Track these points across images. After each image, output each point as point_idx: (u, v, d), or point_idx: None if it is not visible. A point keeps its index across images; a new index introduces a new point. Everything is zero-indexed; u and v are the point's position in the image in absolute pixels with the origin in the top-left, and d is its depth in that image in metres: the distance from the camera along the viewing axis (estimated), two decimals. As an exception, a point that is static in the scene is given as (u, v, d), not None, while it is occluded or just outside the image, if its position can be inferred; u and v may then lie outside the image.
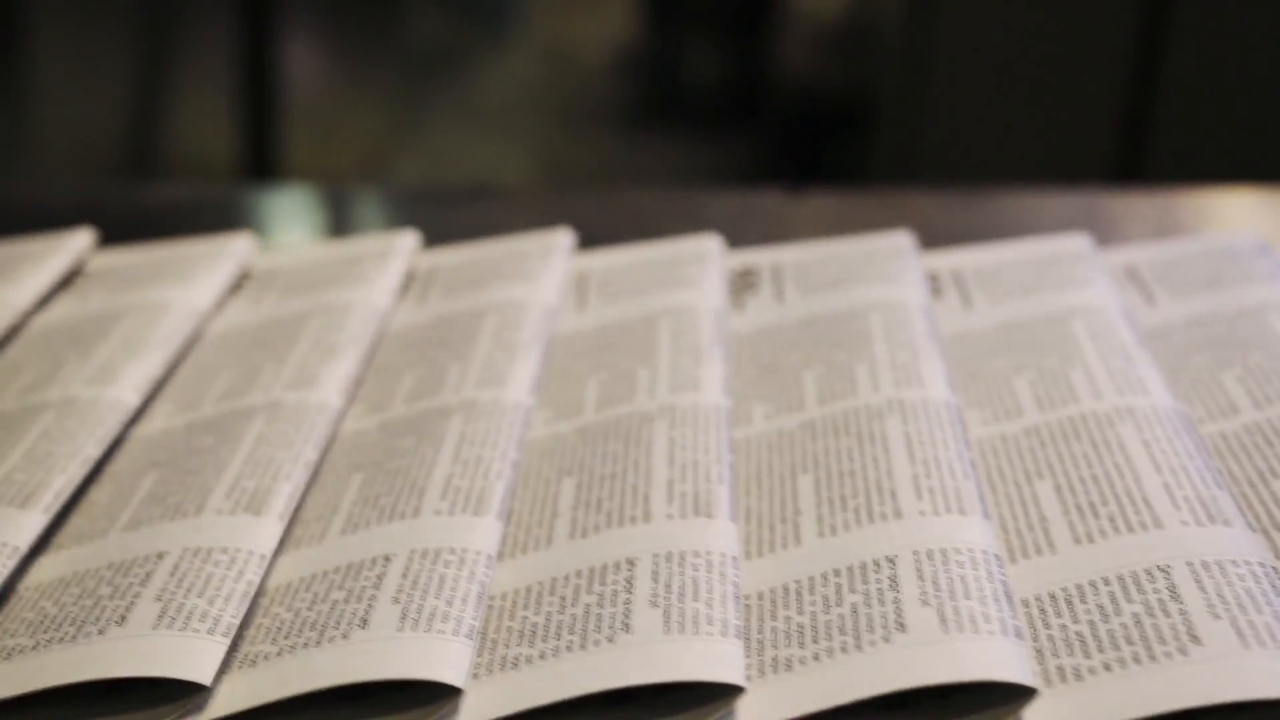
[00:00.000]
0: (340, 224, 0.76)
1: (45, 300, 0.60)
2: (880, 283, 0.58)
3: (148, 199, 0.75)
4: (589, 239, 0.65)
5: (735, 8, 2.61)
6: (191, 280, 0.60)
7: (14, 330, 0.58)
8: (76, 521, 0.47)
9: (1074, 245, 0.61)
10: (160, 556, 0.44)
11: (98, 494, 0.49)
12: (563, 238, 0.63)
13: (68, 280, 0.62)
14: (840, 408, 0.51)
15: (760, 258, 0.63)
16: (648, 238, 0.65)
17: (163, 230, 0.67)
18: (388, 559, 0.44)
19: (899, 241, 0.62)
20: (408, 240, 0.64)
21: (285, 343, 0.56)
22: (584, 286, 0.61)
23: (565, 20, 2.75)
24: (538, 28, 2.70)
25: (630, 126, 2.57)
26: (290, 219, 0.75)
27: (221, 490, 0.47)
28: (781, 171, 2.46)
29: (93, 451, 0.49)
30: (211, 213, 0.72)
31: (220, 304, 0.60)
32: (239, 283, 0.62)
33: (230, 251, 0.63)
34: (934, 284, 0.60)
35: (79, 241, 0.63)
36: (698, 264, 0.61)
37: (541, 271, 0.60)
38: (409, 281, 0.62)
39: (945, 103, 1.90)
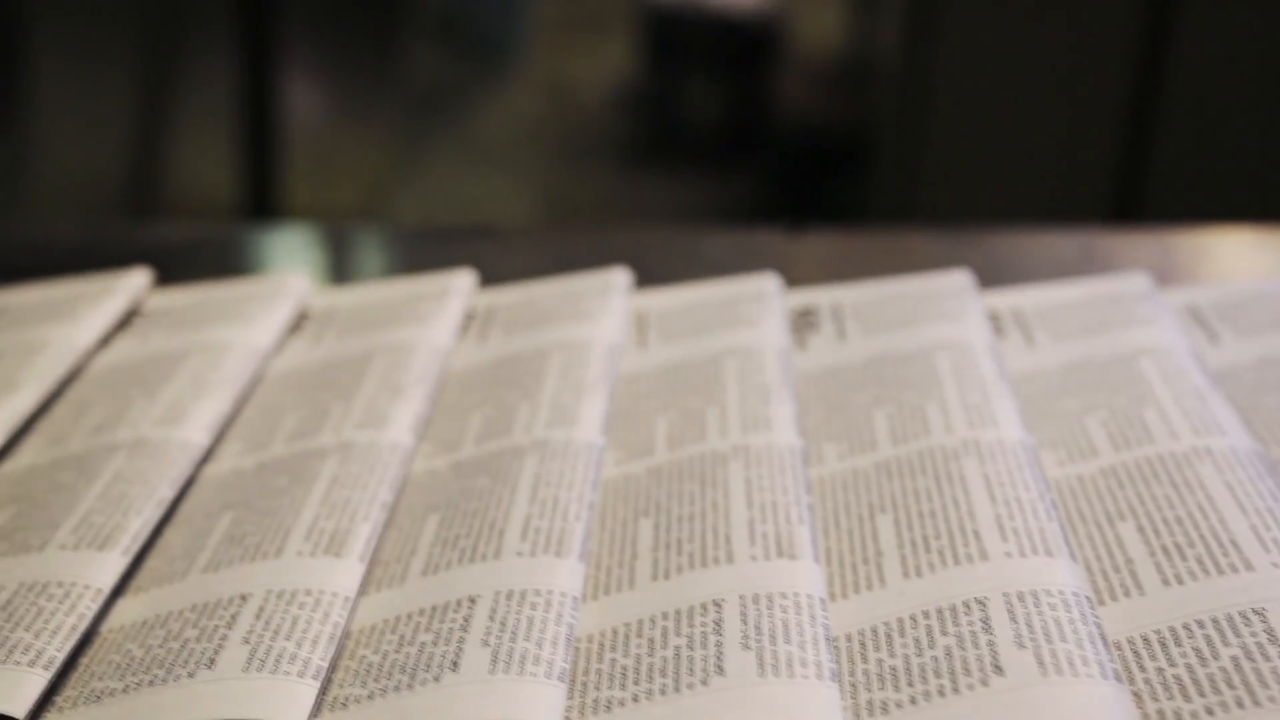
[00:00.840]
0: (341, 263, 0.76)
1: (105, 340, 0.60)
2: (944, 322, 0.58)
3: (148, 238, 0.75)
4: None
5: (734, 45, 2.62)
6: (251, 320, 0.60)
7: (76, 370, 0.57)
8: (153, 563, 0.47)
9: (1135, 285, 0.61)
10: (244, 599, 0.44)
11: (172, 535, 0.48)
12: (620, 277, 0.63)
13: (126, 320, 0.62)
14: (914, 448, 0.51)
15: (819, 296, 0.63)
16: (647, 277, 0.65)
17: (165, 270, 0.67)
18: (473, 601, 0.44)
19: (958, 280, 0.62)
20: (464, 279, 0.64)
21: (351, 382, 0.56)
22: (644, 326, 0.61)
23: (565, 57, 2.76)
24: (538, 65, 2.71)
25: (630, 163, 2.57)
26: (292, 258, 0.75)
27: (300, 532, 0.47)
28: (781, 208, 2.47)
29: (167, 492, 0.49)
30: (213, 252, 0.72)
31: (280, 343, 0.60)
32: (297, 322, 0.62)
33: (287, 291, 0.63)
34: (995, 323, 0.60)
35: (136, 280, 0.63)
36: (758, 303, 0.61)
37: (602, 310, 0.60)
38: (468, 320, 0.62)
39: (944, 140, 1.91)
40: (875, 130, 2.13)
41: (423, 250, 0.75)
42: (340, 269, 0.74)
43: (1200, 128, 1.82)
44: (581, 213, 2.42)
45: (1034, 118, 1.87)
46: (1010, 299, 0.62)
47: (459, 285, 0.63)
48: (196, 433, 0.52)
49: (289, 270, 0.67)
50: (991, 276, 0.66)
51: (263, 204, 1.93)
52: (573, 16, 2.85)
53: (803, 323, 0.61)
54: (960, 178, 1.93)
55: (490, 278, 0.66)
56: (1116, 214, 1.90)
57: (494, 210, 2.38)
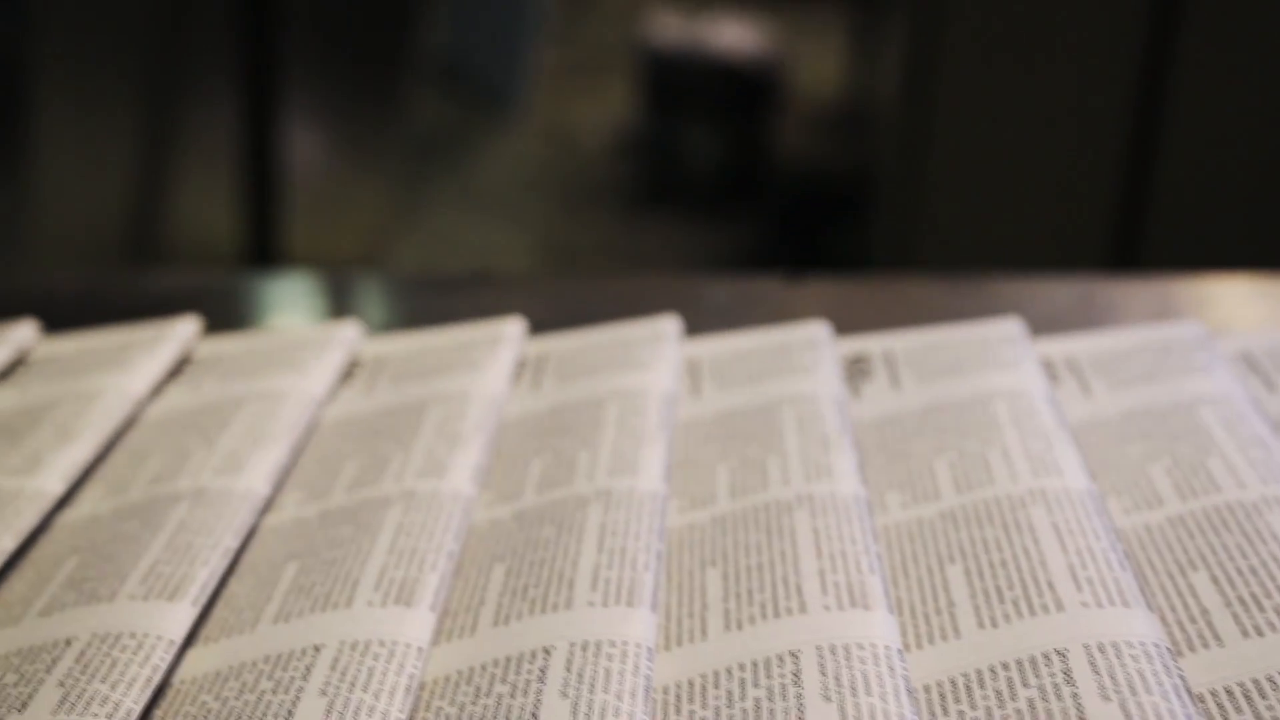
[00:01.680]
0: (343, 311, 0.76)
1: (158, 388, 0.60)
2: (999, 370, 0.58)
3: (150, 286, 0.75)
4: (586, 326, 0.65)
5: (734, 91, 2.63)
6: (305, 368, 0.60)
7: (131, 418, 0.57)
8: (221, 614, 0.47)
9: (1189, 332, 0.61)
10: (317, 650, 0.44)
11: (237, 586, 0.48)
12: (670, 324, 0.63)
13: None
14: (979, 497, 0.51)
15: (870, 344, 0.63)
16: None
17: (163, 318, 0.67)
18: (548, 652, 0.44)
19: (1010, 328, 0.62)
20: (515, 327, 0.63)
21: (408, 430, 0.56)
22: (697, 374, 0.61)
23: (565, 103, 2.76)
24: (538, 111, 2.72)
25: (630, 208, 2.58)
26: (289, 306, 0.75)
27: (369, 581, 0.47)
28: (781, 254, 2.47)
29: (231, 542, 0.49)
30: (215, 300, 0.72)
31: (333, 392, 0.60)
32: (348, 370, 0.62)
33: (338, 339, 0.62)
34: (1049, 370, 0.60)
35: (186, 329, 0.63)
36: (811, 350, 0.61)
37: (655, 358, 0.60)
38: (519, 368, 0.62)
39: (943, 185, 1.91)
40: (875, 176, 2.14)
41: (424, 298, 0.75)
42: (342, 317, 0.74)
43: (1199, 175, 1.83)
44: (582, 258, 2.42)
45: (1033, 164, 1.88)
46: (1063, 346, 0.62)
47: (510, 332, 0.63)
48: (257, 482, 0.52)
49: (334, 319, 0.66)
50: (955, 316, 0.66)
51: (264, 250, 1.92)
52: (573, 62, 2.86)
53: (855, 370, 0.61)
54: (960, 223, 1.93)
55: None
56: (1115, 260, 1.91)
57: (494, 256, 2.39)
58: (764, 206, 2.60)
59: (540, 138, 2.70)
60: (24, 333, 0.63)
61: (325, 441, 0.56)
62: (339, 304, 0.76)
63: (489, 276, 0.77)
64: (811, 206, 2.59)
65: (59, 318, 0.66)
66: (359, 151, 2.24)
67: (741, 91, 2.64)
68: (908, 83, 1.90)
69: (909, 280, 0.77)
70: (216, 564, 0.47)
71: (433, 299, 0.74)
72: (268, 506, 0.52)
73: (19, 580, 0.48)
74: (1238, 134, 1.81)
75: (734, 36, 2.68)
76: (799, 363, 0.60)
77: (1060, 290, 0.74)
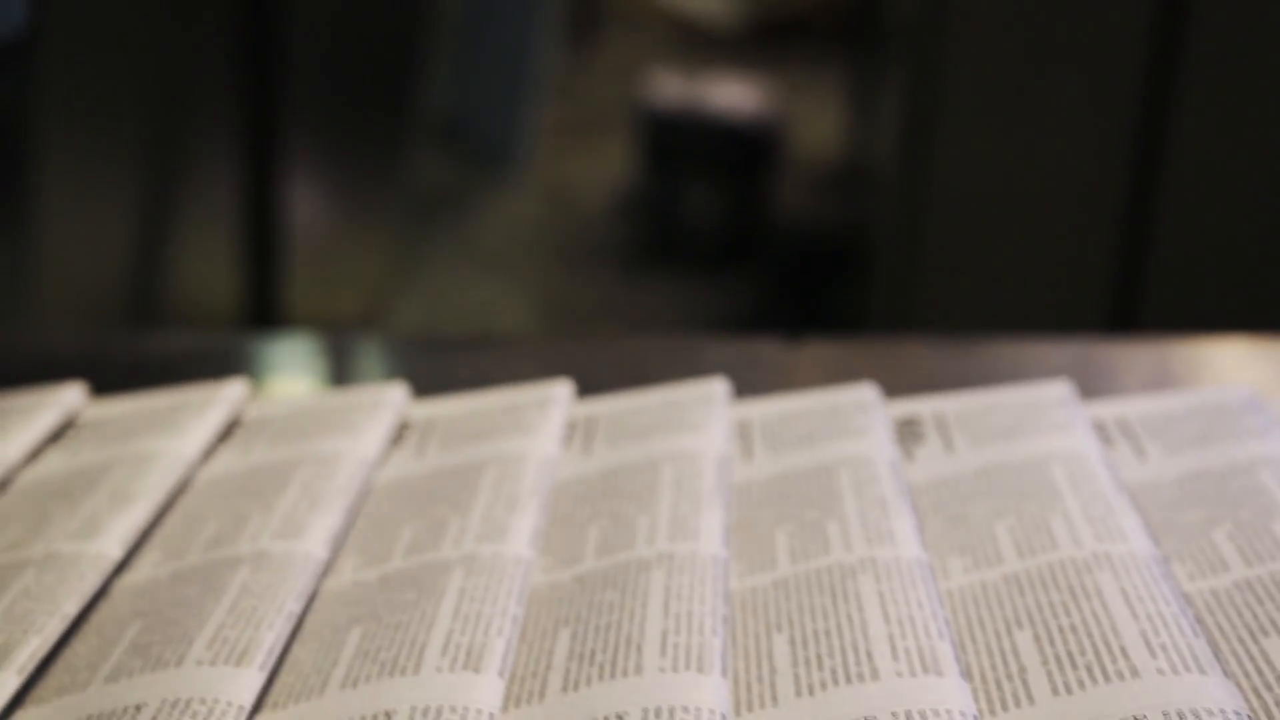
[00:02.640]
0: (340, 373, 0.76)
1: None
2: (1054, 433, 0.58)
3: (149, 347, 0.75)
4: (588, 387, 0.66)
5: (733, 151, 2.64)
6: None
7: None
8: (287, 679, 0.46)
9: (1239, 395, 0.61)
10: (389, 715, 0.43)
11: (301, 650, 0.48)
12: (720, 386, 0.63)
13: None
14: (1043, 561, 0.50)
15: (920, 407, 0.63)
16: (647, 385, 0.65)
17: (164, 380, 0.67)
18: (621, 718, 0.43)
19: (1059, 391, 0.62)
20: (564, 389, 0.63)
21: (464, 494, 0.55)
22: (748, 436, 0.61)
23: (565, 163, 2.77)
24: (538, 170, 2.72)
25: (630, 268, 2.58)
26: (291, 368, 0.75)
27: (436, 646, 0.46)
28: (780, 313, 2.47)
29: (295, 606, 0.48)
30: (212, 362, 0.73)
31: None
32: (399, 433, 0.62)
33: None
34: (1102, 433, 0.60)
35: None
36: (862, 413, 0.61)
37: (708, 421, 0.60)
38: (569, 430, 0.62)
39: (941, 246, 1.92)
40: (873, 236, 2.15)
41: (424, 360, 0.75)
42: (344, 379, 0.75)
43: (1195, 237, 1.84)
44: (581, 318, 2.43)
45: (1030, 224, 1.89)
46: (1114, 409, 0.62)
47: (559, 395, 0.63)
48: (316, 546, 0.52)
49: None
50: (989, 385, 0.66)
51: (264, 309, 1.92)
52: (573, 122, 2.87)
53: (907, 433, 0.61)
54: (957, 283, 1.94)
55: (490, 387, 0.66)
56: (1113, 321, 1.91)
57: (494, 314, 2.39)
58: (763, 265, 2.61)
59: (540, 197, 2.71)
60: (72, 395, 0.63)
61: (380, 505, 0.56)
62: (340, 366, 0.76)
63: (488, 338, 0.78)
64: (810, 266, 2.60)
65: (56, 380, 0.66)
66: (359, 210, 2.24)
67: (740, 151, 2.65)
68: (905, 143, 1.91)
69: (907, 342, 0.77)
70: (281, 628, 0.47)
71: (433, 361, 0.74)
72: (326, 570, 0.52)
73: (82, 644, 0.48)
74: (1235, 197, 1.81)
75: (733, 96, 2.69)
76: (851, 425, 0.60)
77: (1058, 353, 0.74)
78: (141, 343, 0.77)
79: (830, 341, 0.77)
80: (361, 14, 2.08)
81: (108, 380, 0.66)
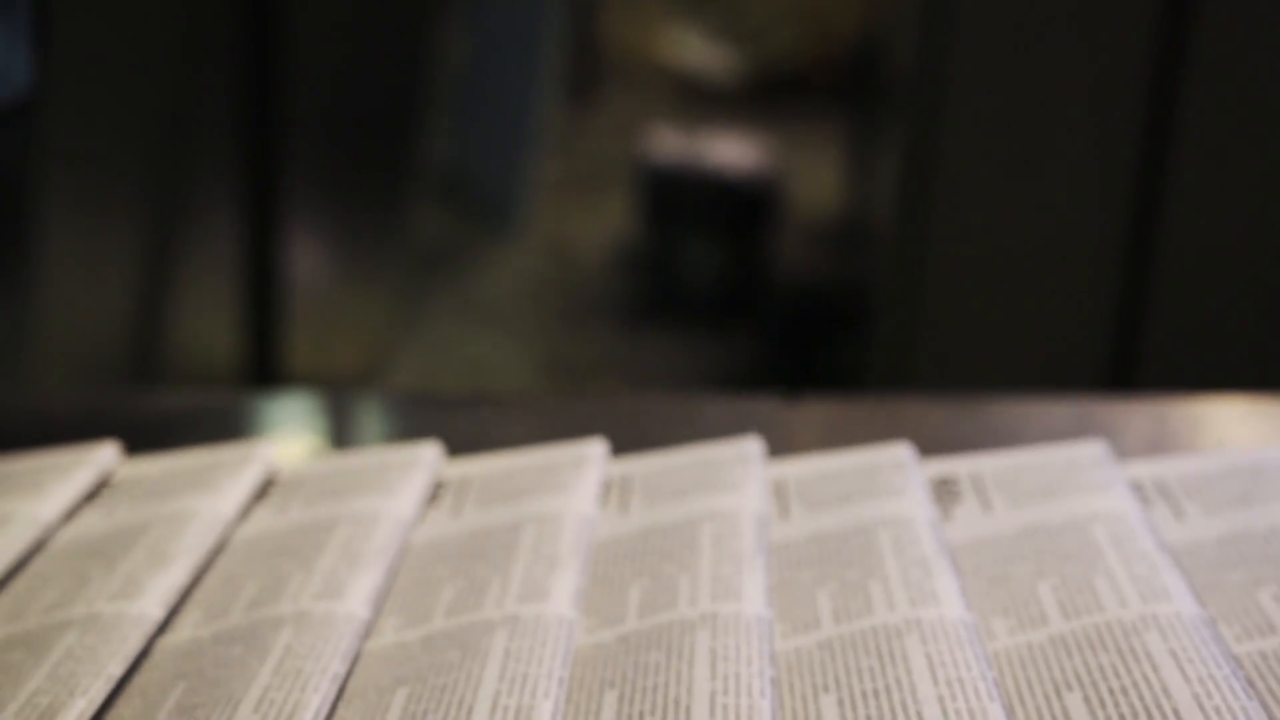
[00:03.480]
0: (344, 431, 0.77)
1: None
2: (1092, 493, 0.58)
3: (152, 406, 0.75)
4: None
5: (732, 207, 2.65)
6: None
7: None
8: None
9: (1275, 456, 0.61)
10: None
11: (346, 711, 0.47)
12: (754, 446, 0.63)
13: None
14: (1089, 622, 0.50)
15: (956, 466, 0.63)
16: (647, 444, 0.66)
17: (168, 439, 0.67)
18: None
19: (1095, 451, 0.62)
20: (598, 448, 0.63)
21: (503, 554, 0.55)
22: (784, 495, 0.61)
23: (565, 218, 2.78)
24: (538, 225, 2.73)
25: (629, 323, 2.58)
26: (295, 426, 0.75)
27: (483, 710, 0.46)
28: (780, 369, 2.47)
29: (340, 668, 0.48)
30: (215, 420, 0.73)
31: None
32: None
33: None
34: (1140, 493, 0.60)
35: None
36: (898, 472, 0.60)
37: (745, 480, 0.60)
38: (605, 489, 0.61)
39: (940, 302, 1.92)
40: (872, 292, 2.15)
41: (425, 417, 0.75)
42: (347, 437, 0.75)
43: (1194, 294, 1.84)
44: (581, 373, 2.42)
45: (1029, 281, 1.89)
46: (1150, 469, 0.62)
47: (594, 454, 0.63)
48: (358, 606, 0.51)
49: (381, 439, 0.66)
50: (990, 443, 0.67)
51: (265, 365, 1.92)
52: (572, 177, 2.87)
53: (944, 492, 0.61)
54: (956, 339, 1.94)
55: (491, 446, 0.66)
56: (1112, 376, 1.91)
57: (494, 369, 2.39)
58: (762, 321, 2.61)
59: (539, 252, 2.71)
60: (106, 454, 0.63)
61: (419, 564, 0.56)
62: (343, 424, 0.77)
63: (488, 396, 0.78)
64: (809, 321, 2.60)
65: (59, 438, 0.66)
66: (360, 266, 2.24)
67: (739, 207, 2.66)
68: (903, 199, 1.92)
69: (906, 400, 0.77)
70: (327, 690, 0.47)
71: (434, 418, 0.74)
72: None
73: (126, 707, 0.47)
74: (1233, 254, 1.82)
75: (731, 152, 2.70)
76: (888, 484, 0.60)
77: (1057, 411, 0.75)
78: (144, 401, 0.77)
79: (829, 399, 0.78)
80: (363, 71, 2.08)
81: (113, 439, 0.66)
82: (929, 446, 0.64)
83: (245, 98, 1.79)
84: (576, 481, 0.60)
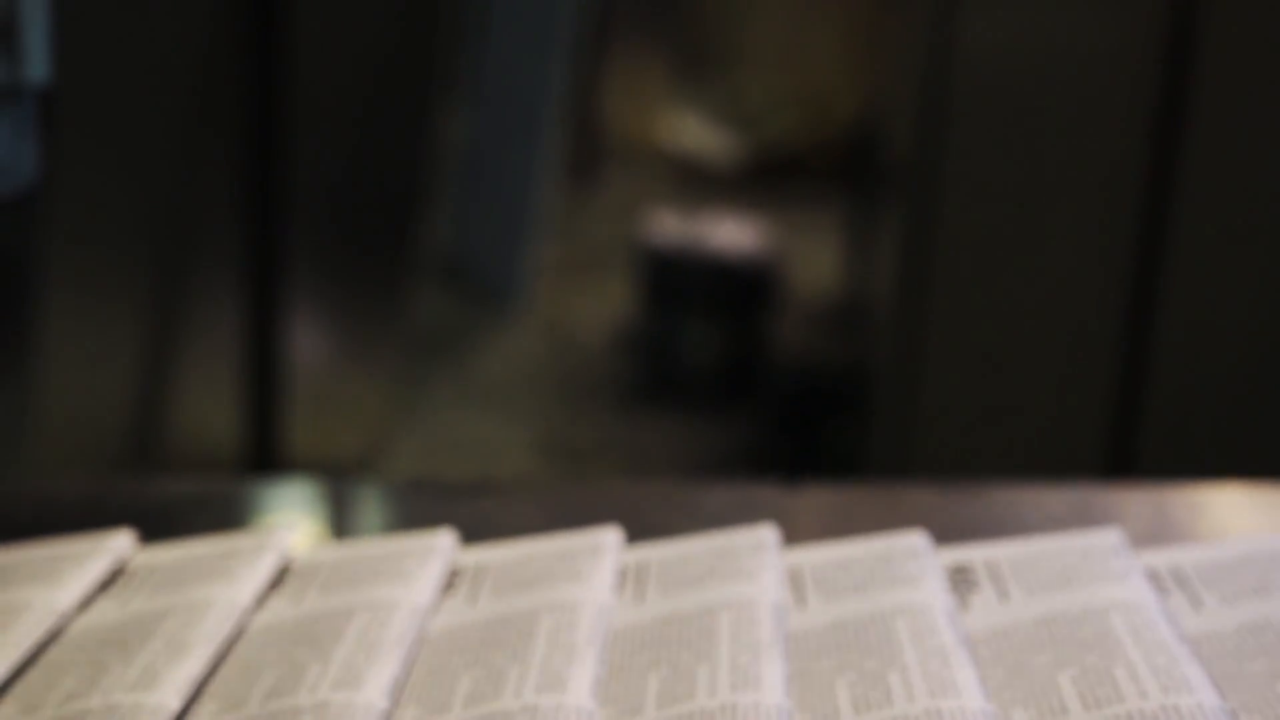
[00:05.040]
0: (349, 518, 0.77)
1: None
2: (1110, 582, 0.58)
3: (158, 493, 0.75)
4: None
5: (732, 290, 2.66)
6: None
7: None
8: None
9: (1292, 544, 0.61)
10: None
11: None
12: (770, 534, 0.63)
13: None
14: (1110, 713, 0.50)
15: (971, 554, 0.63)
16: (646, 531, 0.66)
17: (176, 526, 0.68)
18: None
19: (1111, 540, 0.62)
20: (613, 536, 0.63)
21: (521, 642, 0.55)
22: (800, 583, 0.61)
23: (565, 301, 2.79)
24: (538, 307, 2.74)
25: (629, 405, 2.59)
26: (301, 514, 0.76)
27: None
28: (780, 451, 2.47)
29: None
30: (222, 508, 0.73)
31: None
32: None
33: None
34: (1156, 582, 0.60)
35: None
36: (914, 560, 0.60)
37: (760, 568, 0.60)
38: (620, 577, 0.61)
39: (939, 384, 1.93)
40: (871, 375, 2.15)
41: (429, 505, 0.76)
42: (352, 524, 0.75)
43: (1192, 378, 1.85)
44: (581, 456, 2.42)
45: (1028, 365, 1.90)
46: (1166, 557, 0.62)
47: (610, 542, 0.63)
48: (377, 696, 0.51)
49: (429, 530, 0.66)
50: (995, 530, 0.67)
51: (266, 449, 1.92)
52: (572, 260, 2.89)
53: (960, 580, 0.61)
54: (955, 423, 1.94)
55: (492, 534, 0.67)
56: (1110, 461, 1.92)
57: (494, 453, 2.39)
58: (761, 404, 2.61)
59: (540, 334, 2.72)
60: (121, 542, 0.63)
61: (435, 653, 0.56)
62: (343, 512, 0.77)
63: (485, 484, 0.78)
64: (808, 404, 2.60)
65: (60, 527, 0.66)
66: (360, 349, 2.25)
67: (738, 290, 2.67)
68: (902, 282, 1.93)
69: (906, 487, 0.77)
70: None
71: (434, 506, 0.74)
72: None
73: (144, 799, 0.47)
74: (1231, 340, 1.83)
75: (731, 235, 2.71)
76: (904, 573, 0.60)
77: (1059, 498, 0.75)
78: (149, 488, 0.77)
79: (831, 485, 0.78)
80: (364, 155, 2.10)
81: (122, 526, 0.66)
82: (934, 533, 0.65)
83: (246, 182, 1.80)
84: (592, 569, 0.60)
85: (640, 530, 0.66)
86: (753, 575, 0.59)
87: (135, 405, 1.86)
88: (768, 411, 2.60)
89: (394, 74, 2.09)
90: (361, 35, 1.97)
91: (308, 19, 1.78)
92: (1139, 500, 0.75)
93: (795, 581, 0.61)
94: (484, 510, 0.72)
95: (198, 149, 1.78)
